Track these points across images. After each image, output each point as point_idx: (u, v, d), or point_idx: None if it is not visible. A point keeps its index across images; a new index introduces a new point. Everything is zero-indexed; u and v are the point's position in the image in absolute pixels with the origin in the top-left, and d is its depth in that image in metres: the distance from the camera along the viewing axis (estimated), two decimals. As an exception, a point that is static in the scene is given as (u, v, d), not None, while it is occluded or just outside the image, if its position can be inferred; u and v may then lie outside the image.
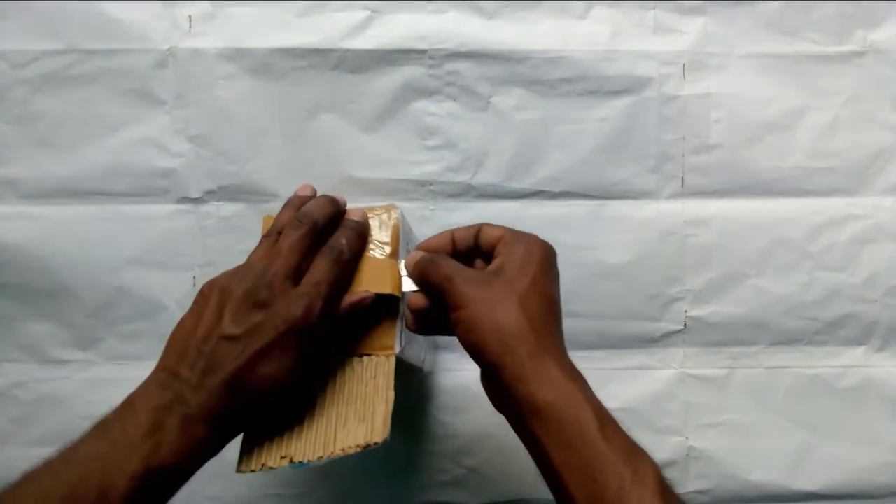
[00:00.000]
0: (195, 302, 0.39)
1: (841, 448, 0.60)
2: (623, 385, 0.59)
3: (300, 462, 0.37)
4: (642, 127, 0.59)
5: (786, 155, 0.60)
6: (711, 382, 0.60)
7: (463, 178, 0.59)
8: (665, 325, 0.60)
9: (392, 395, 0.39)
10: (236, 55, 0.58)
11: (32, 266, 0.58)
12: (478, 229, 0.40)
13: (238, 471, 0.37)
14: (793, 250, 0.60)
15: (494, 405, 0.37)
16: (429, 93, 0.59)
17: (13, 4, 0.58)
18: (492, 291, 0.35)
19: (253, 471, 0.37)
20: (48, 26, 0.58)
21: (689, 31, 0.60)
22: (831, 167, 0.60)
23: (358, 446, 0.37)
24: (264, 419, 0.38)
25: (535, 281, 0.36)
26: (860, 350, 0.60)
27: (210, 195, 0.59)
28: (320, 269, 0.38)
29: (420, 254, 0.40)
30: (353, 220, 0.42)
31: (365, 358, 0.41)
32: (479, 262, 0.41)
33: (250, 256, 0.40)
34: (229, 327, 0.36)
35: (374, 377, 0.40)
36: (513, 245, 0.38)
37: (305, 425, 0.38)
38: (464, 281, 0.36)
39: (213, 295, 0.38)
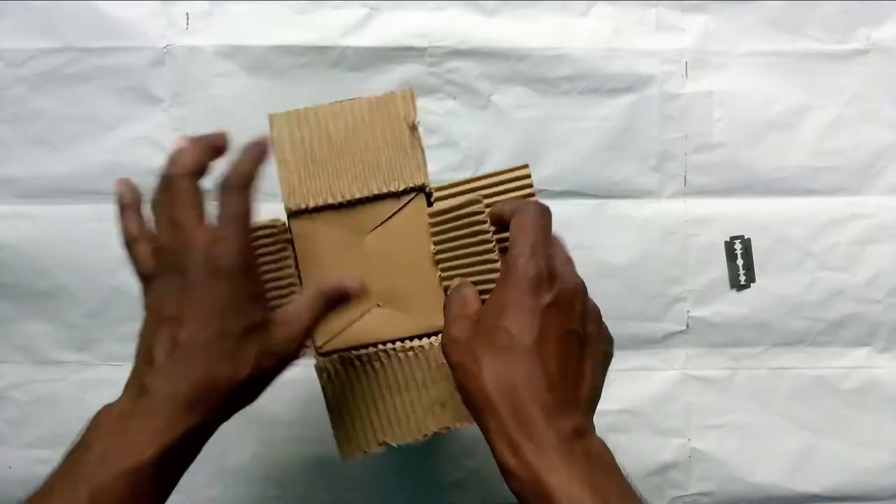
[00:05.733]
0: None
1: (844, 449, 0.59)
2: (625, 386, 0.59)
3: (396, 444, 0.40)
4: (644, 125, 0.59)
5: (788, 154, 0.59)
6: (714, 383, 0.59)
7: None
8: (667, 326, 0.59)
9: None
10: (234, 53, 0.58)
11: (29, 266, 0.58)
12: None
13: (343, 457, 0.41)
14: (795, 250, 0.59)
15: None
16: (429, 91, 0.58)
17: (10, 3, 0.57)
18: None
19: (353, 455, 0.41)
20: (45, 24, 0.57)
21: (691, 29, 0.59)
22: (834, 166, 0.59)
23: (446, 428, 0.40)
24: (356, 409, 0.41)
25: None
26: (863, 351, 0.60)
27: (206, 194, 0.58)
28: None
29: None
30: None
31: (433, 338, 0.41)
32: None
33: None
34: None
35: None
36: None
37: (392, 412, 0.41)
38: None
39: None
